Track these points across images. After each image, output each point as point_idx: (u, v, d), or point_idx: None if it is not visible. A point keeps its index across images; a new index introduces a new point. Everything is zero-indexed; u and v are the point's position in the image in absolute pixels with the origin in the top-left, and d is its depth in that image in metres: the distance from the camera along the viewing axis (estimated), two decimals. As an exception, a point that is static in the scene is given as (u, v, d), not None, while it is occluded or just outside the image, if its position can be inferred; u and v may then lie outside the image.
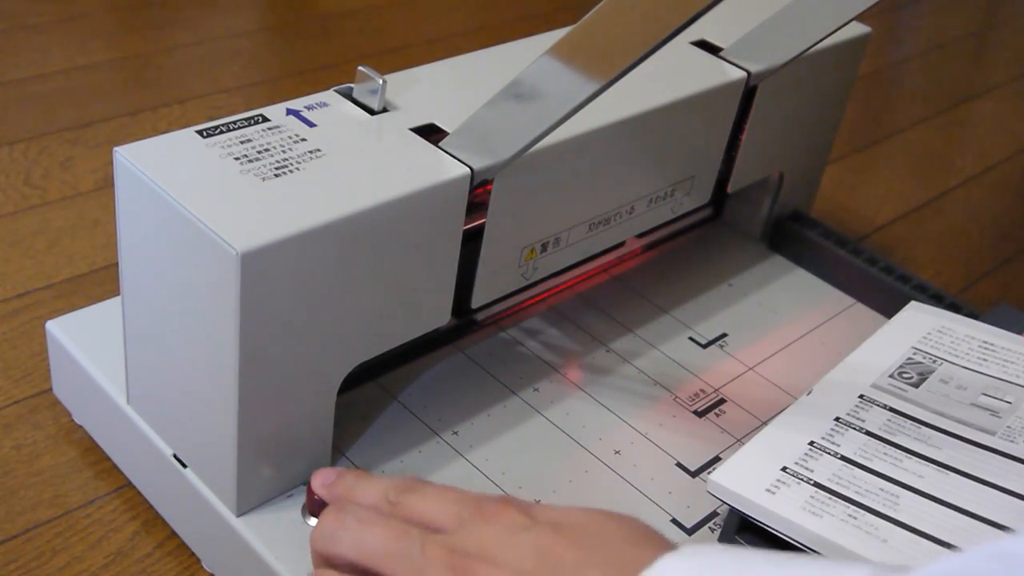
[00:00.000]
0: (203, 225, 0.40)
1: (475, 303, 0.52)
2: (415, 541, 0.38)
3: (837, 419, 0.51)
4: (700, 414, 0.55)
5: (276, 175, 0.43)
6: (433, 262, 0.47)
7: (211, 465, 0.46)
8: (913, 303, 0.60)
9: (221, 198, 0.41)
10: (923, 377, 0.54)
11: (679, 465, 0.52)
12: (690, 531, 0.48)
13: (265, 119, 0.46)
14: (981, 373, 0.55)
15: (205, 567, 0.50)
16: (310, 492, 0.45)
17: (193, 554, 0.50)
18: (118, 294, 0.49)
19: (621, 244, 0.64)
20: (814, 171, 0.71)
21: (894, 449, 0.49)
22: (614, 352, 0.59)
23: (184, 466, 0.47)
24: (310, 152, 0.45)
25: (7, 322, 0.62)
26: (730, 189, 0.64)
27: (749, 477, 0.48)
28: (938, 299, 0.64)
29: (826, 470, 0.48)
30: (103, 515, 0.52)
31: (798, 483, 0.47)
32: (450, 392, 0.54)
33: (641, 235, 0.64)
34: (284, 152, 0.44)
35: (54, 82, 0.86)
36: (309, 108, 0.47)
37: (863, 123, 1.01)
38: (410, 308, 0.47)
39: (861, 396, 0.53)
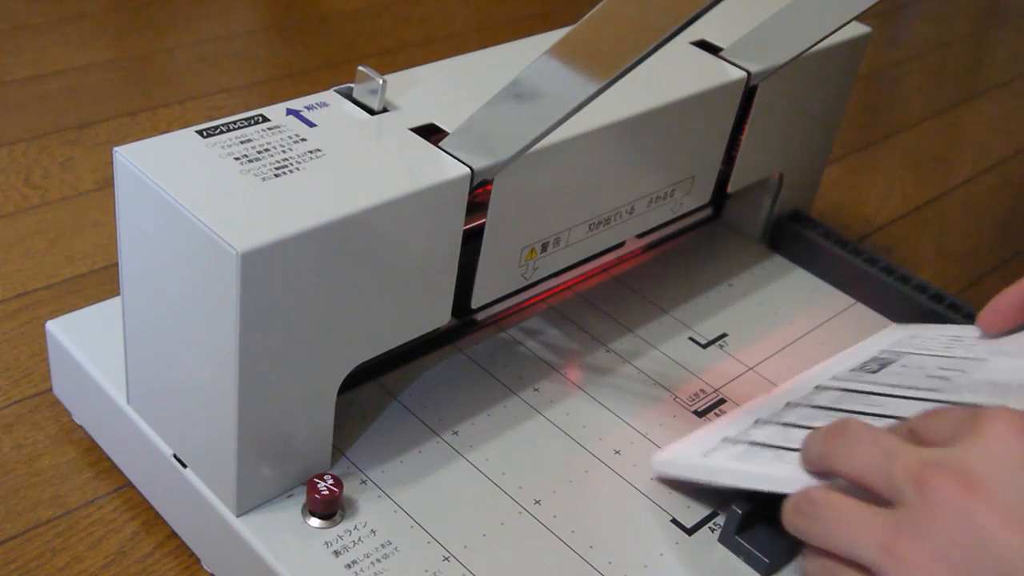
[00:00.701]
0: (203, 225, 0.40)
1: (475, 303, 0.52)
2: (891, 453, 0.36)
3: (788, 403, 0.52)
4: (700, 414, 0.55)
5: (276, 175, 0.43)
6: (433, 262, 0.47)
7: (211, 465, 0.46)
8: (893, 325, 0.61)
9: (221, 198, 0.41)
10: (884, 366, 0.54)
11: (679, 465, 0.52)
12: (690, 531, 0.48)
13: (265, 119, 0.46)
14: (943, 356, 0.54)
15: (205, 567, 0.50)
16: (311, 491, 0.45)
17: (193, 554, 0.50)
18: (118, 294, 0.49)
19: (621, 244, 0.64)
20: (814, 171, 0.71)
21: (838, 413, 0.49)
22: (614, 352, 0.59)
23: (184, 466, 0.47)
24: (310, 152, 0.45)
25: (7, 322, 0.62)
26: (730, 189, 0.64)
27: (689, 448, 0.50)
28: (938, 299, 0.64)
29: (765, 433, 0.49)
30: (103, 515, 0.52)
31: (734, 444, 0.48)
32: (450, 392, 0.54)
33: (641, 235, 0.64)
34: (284, 152, 0.44)
35: (54, 82, 0.86)
36: (309, 108, 0.47)
37: (863, 123, 1.01)
38: (410, 308, 0.47)
39: (817, 386, 0.53)
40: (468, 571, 0.45)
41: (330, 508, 0.46)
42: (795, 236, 0.69)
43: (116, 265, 0.56)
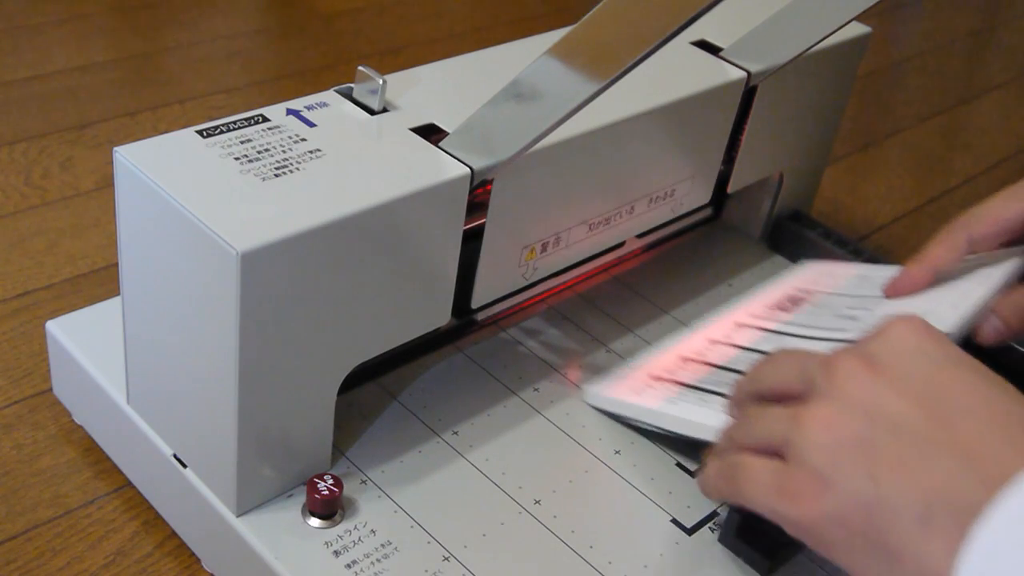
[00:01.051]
0: (203, 225, 0.40)
1: (475, 303, 0.52)
2: (808, 359, 0.40)
3: (712, 340, 0.55)
4: (700, 414, 0.55)
5: (276, 175, 0.43)
6: (433, 262, 0.47)
7: (211, 465, 0.46)
8: (805, 261, 0.64)
9: (221, 198, 0.41)
10: (797, 305, 0.57)
11: (679, 465, 0.52)
12: (690, 531, 0.48)
13: (265, 119, 0.46)
14: (851, 295, 0.57)
15: (205, 567, 0.50)
16: (311, 491, 0.45)
17: (193, 554, 0.50)
18: (118, 294, 0.49)
19: (621, 244, 0.64)
20: (814, 171, 0.71)
21: (759, 354, 0.52)
22: (614, 352, 0.59)
23: (184, 466, 0.47)
24: (310, 152, 0.45)
25: (7, 322, 0.62)
26: (730, 189, 0.64)
27: (621, 385, 0.53)
28: (938, 299, 0.64)
29: (692, 374, 0.52)
30: (103, 515, 0.52)
31: (663, 384, 0.52)
32: (450, 392, 0.54)
33: (641, 235, 0.64)
34: (284, 152, 0.44)
35: (54, 82, 0.86)
36: (309, 108, 0.47)
37: (863, 123, 1.01)
38: (410, 308, 0.47)
39: (737, 323, 0.57)
40: (468, 571, 0.45)
41: (330, 508, 0.46)
42: (795, 236, 0.69)
43: (116, 265, 0.56)
